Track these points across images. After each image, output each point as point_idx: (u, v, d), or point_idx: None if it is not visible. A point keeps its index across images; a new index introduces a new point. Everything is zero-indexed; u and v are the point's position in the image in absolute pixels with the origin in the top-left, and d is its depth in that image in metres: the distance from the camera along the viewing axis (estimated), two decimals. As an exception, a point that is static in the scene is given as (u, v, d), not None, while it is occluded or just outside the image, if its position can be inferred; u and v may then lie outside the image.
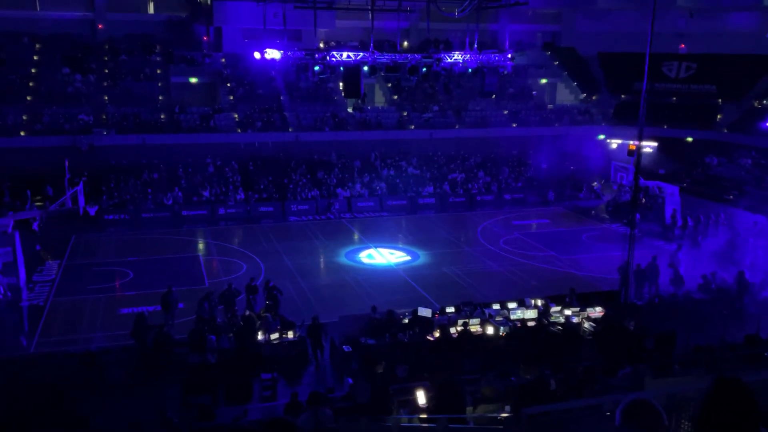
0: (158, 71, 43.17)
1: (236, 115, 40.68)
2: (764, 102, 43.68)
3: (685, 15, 48.70)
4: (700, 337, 15.94)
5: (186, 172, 36.77)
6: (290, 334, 18.12)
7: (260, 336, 17.85)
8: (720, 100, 45.31)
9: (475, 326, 17.80)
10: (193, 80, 43.74)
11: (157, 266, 26.72)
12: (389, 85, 45.88)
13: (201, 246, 30.46)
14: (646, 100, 19.28)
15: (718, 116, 44.73)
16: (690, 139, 43.25)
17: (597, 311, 19.02)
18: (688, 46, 48.66)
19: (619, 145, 42.72)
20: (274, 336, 17.89)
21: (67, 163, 30.21)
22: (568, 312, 18.81)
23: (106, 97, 40.07)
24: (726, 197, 35.51)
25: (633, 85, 44.02)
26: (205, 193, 35.47)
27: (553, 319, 18.53)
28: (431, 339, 17.47)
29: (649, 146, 38.88)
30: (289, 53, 25.40)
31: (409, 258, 28.14)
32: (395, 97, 45.85)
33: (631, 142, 33.14)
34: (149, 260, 27.51)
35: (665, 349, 15.75)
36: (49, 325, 20.79)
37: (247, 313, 19.04)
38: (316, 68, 25.03)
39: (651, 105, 22.57)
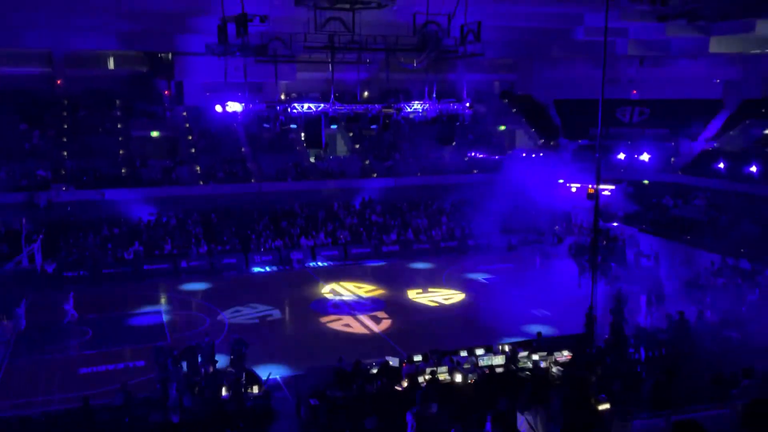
0: (119, 125, 42.89)
1: (198, 168, 40.49)
2: (715, 144, 45.11)
3: (635, 63, 50.38)
4: (664, 377, 15.99)
5: (147, 226, 36.28)
6: (255, 389, 17.75)
7: (224, 392, 17.43)
8: (673, 144, 46.62)
9: (443, 374, 17.65)
10: (155, 134, 43.54)
11: (118, 323, 26.10)
12: (351, 134, 46.27)
13: (163, 300, 29.87)
14: (601, 145, 19.78)
15: (672, 159, 45.98)
16: (646, 182, 44.28)
17: (564, 355, 19.04)
18: (640, 92, 50.20)
19: (578, 188, 43.47)
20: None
21: (24, 221, 29.62)
22: (535, 357, 18.79)
23: (65, 152, 39.60)
24: (684, 237, 36.25)
25: (589, 130, 45.03)
26: (167, 247, 34.97)
27: (521, 365, 18.48)
28: (399, 389, 17.26)
29: (607, 189, 39.65)
30: (251, 105, 25.53)
31: (374, 306, 27.98)
32: (357, 146, 46.21)
33: (590, 186, 33.92)
34: (109, 317, 26.85)
35: (631, 391, 15.76)
36: (5, 387, 20.05)
37: (211, 369, 18.58)
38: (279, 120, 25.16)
39: (607, 149, 23.13)
